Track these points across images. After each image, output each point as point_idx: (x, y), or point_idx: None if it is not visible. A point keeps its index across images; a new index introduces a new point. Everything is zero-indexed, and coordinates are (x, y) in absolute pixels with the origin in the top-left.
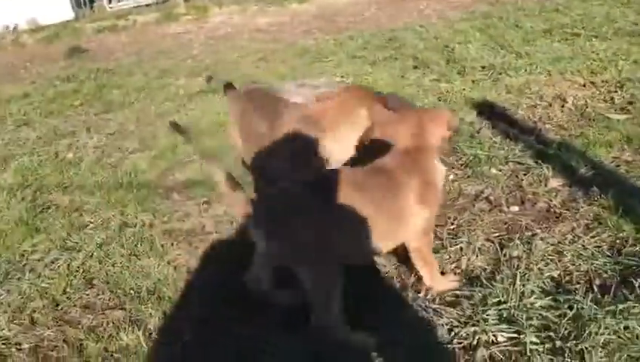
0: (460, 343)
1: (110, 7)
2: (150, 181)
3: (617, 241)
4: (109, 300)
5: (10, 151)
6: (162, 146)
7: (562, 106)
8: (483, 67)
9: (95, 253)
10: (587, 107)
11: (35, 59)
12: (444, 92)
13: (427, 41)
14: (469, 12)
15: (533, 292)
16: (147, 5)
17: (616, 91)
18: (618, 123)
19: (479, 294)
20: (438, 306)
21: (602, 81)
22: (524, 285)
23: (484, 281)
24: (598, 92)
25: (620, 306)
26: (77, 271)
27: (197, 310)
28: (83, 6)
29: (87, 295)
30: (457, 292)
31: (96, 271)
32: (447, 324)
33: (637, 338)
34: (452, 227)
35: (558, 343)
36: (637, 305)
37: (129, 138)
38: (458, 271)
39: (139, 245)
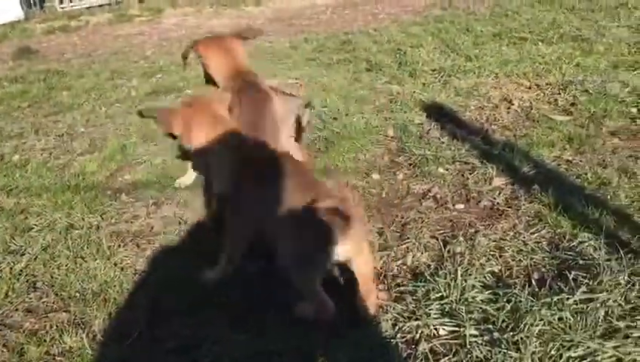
0: (404, 337)
1: (62, 8)
2: (99, 183)
3: (556, 237)
4: (52, 303)
5: None
6: (112, 148)
7: (508, 108)
8: (433, 70)
9: (40, 256)
10: (532, 109)
11: None
12: (394, 94)
13: (380, 45)
14: (422, 16)
15: (474, 286)
16: (100, 6)
17: (559, 93)
18: (560, 124)
19: (422, 289)
20: (383, 301)
21: (547, 84)
22: (465, 280)
23: (428, 277)
24: (542, 94)
25: (555, 298)
26: (20, 274)
27: (142, 311)
28: (33, 6)
29: (30, 298)
30: (402, 288)
31: (41, 274)
32: (391, 319)
33: (569, 328)
34: (399, 225)
35: (496, 334)
36: (570, 296)
37: (78, 140)
38: (404, 267)
39: (85, 247)
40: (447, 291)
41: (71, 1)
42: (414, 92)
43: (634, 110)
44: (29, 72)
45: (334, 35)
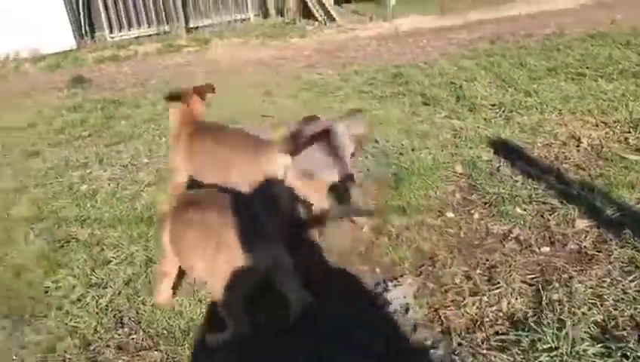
0: None
1: (111, 37)
2: None
3: None
4: (142, 340)
5: (22, 183)
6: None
7: (577, 146)
8: (493, 105)
9: (123, 291)
10: (602, 147)
11: (37, 87)
12: (457, 129)
13: (433, 78)
14: (469, 49)
15: (582, 339)
16: (148, 36)
17: (629, 132)
18: (637, 164)
19: (527, 339)
20: (486, 351)
21: (614, 122)
22: (574, 330)
23: (532, 325)
24: (611, 132)
25: None
26: (106, 309)
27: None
28: (85, 36)
29: (119, 335)
30: (503, 336)
31: (126, 310)
32: None
33: None
34: (485, 268)
35: None
36: None
37: (143, 170)
38: (500, 314)
39: None
40: (556, 342)
41: (120, 31)
42: (478, 127)
43: None
44: (85, 100)
45: (384, 68)
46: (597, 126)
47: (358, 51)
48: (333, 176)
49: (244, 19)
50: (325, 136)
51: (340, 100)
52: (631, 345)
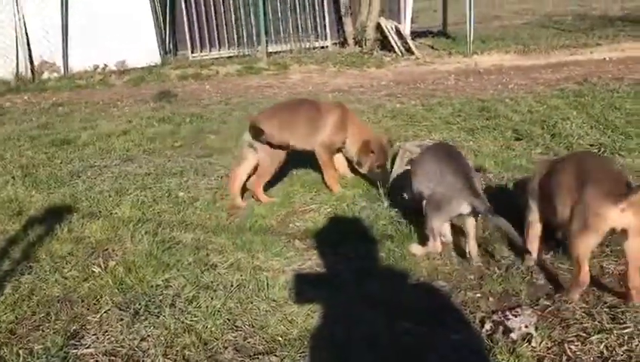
0: None
1: (193, 57)
2: (271, 226)
3: None
4: (258, 344)
5: (122, 185)
6: (279, 194)
7: None
8: (591, 145)
9: (234, 295)
10: None
11: (124, 99)
12: None
13: (521, 114)
14: (557, 89)
15: None
16: (229, 57)
17: None
18: None
19: None
20: None
21: None
22: None
23: None
24: None
25: None
26: (219, 311)
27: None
28: (168, 53)
29: (235, 337)
30: None
31: (240, 314)
32: None
33: None
34: (606, 306)
35: None
36: None
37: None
38: (632, 354)
39: (276, 290)
40: None
41: (202, 51)
42: None
43: None
44: (174, 114)
45: (469, 101)
46: None
47: (437, 84)
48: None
49: (322, 47)
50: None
51: (428, 130)
52: None
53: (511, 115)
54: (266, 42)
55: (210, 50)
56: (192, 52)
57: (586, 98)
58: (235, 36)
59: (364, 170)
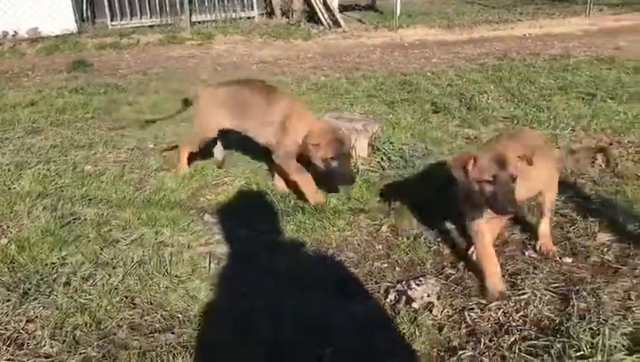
0: None
1: (112, 25)
2: (180, 201)
3: None
4: (156, 322)
5: (23, 158)
6: (190, 167)
7: (592, 162)
8: (505, 117)
9: (134, 271)
10: (617, 165)
11: (36, 68)
12: (471, 138)
13: (441, 88)
14: (477, 64)
15: (616, 347)
16: (150, 26)
17: None
18: None
19: (558, 345)
20: (516, 355)
21: (628, 142)
22: (609, 339)
23: (563, 332)
24: (626, 152)
25: None
26: (116, 288)
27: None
28: (86, 21)
29: (132, 315)
30: (532, 342)
31: (138, 291)
32: None
33: None
34: (508, 274)
35: None
36: None
37: (150, 155)
38: (527, 319)
39: (180, 266)
40: (590, 350)
41: (122, 19)
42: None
43: None
44: (88, 84)
45: (392, 75)
46: (611, 145)
47: (363, 57)
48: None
49: (248, 17)
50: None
51: (350, 103)
52: None
53: (431, 89)
54: (190, 11)
55: (130, 19)
56: (112, 20)
57: (504, 72)
58: (158, 4)
59: (318, 165)
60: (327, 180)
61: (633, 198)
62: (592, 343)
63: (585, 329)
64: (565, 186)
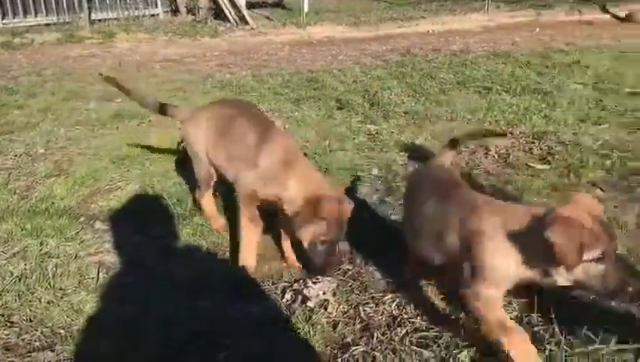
0: None
1: (3, 24)
2: (70, 208)
3: None
4: (34, 340)
5: None
6: (81, 171)
7: (486, 154)
8: (406, 112)
9: (14, 287)
10: (510, 156)
11: None
12: (373, 133)
13: (346, 85)
14: (383, 60)
15: None
16: (46, 25)
17: (533, 142)
18: (542, 172)
19: (448, 335)
20: (407, 347)
21: (520, 133)
22: None
23: (451, 323)
24: (517, 142)
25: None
26: None
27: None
28: None
29: (8, 335)
30: (424, 333)
31: (16, 308)
32: None
33: None
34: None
35: None
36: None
37: (39, 161)
38: (419, 311)
39: (65, 278)
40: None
41: (14, 17)
42: (392, 132)
43: (608, 162)
44: None
45: (299, 72)
46: (504, 135)
47: (270, 55)
48: None
49: (152, 15)
50: None
51: (256, 100)
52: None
53: (336, 85)
54: (89, 9)
55: (24, 17)
56: (3, 19)
57: (407, 68)
58: (54, 2)
59: (301, 239)
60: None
61: (522, 187)
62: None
63: (472, 319)
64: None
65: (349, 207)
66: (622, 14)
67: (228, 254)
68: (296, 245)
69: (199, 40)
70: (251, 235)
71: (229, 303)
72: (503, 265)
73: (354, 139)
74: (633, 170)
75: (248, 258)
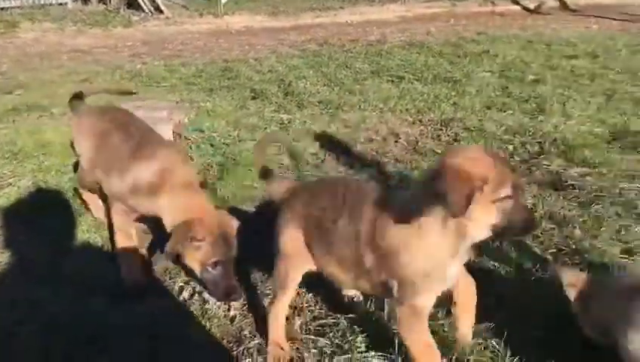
0: None
1: None
2: None
3: None
4: None
5: None
6: None
7: (396, 141)
8: (320, 102)
9: None
10: (418, 143)
11: None
12: (285, 123)
13: (262, 74)
14: (299, 50)
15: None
16: None
17: (441, 129)
18: None
19: (344, 322)
20: (305, 336)
21: (428, 120)
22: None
23: (350, 309)
24: (426, 130)
25: None
26: None
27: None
28: None
29: None
30: (322, 321)
31: None
32: (315, 355)
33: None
34: None
35: None
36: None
37: None
38: (318, 299)
39: None
40: (374, 324)
41: None
42: (305, 122)
43: (510, 147)
44: None
45: (214, 62)
46: (413, 123)
47: (186, 44)
48: None
49: (60, 4)
50: None
51: (167, 91)
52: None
53: (252, 75)
54: None
55: None
56: None
57: (323, 58)
58: None
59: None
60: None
61: None
62: (377, 317)
63: (370, 303)
64: (369, 165)
65: (232, 223)
66: (531, 6)
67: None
68: None
69: (111, 30)
70: (125, 244)
71: (120, 303)
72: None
73: (265, 128)
74: (533, 154)
75: (126, 268)
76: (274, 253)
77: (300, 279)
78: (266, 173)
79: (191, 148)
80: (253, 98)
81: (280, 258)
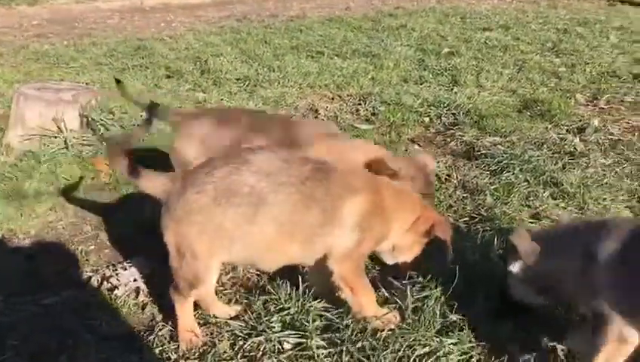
0: (245, 357)
1: None
2: None
3: None
4: None
5: None
6: None
7: (316, 117)
8: (238, 79)
9: None
10: (338, 118)
11: None
12: (201, 101)
13: (178, 52)
14: (217, 27)
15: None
16: None
17: (360, 104)
18: (366, 132)
19: (259, 302)
20: (218, 320)
21: (347, 95)
22: (307, 289)
23: (265, 289)
24: (345, 104)
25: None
26: None
27: None
28: None
29: None
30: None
31: None
32: (229, 338)
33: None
34: None
35: (343, 343)
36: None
37: None
38: (235, 280)
39: None
40: (288, 303)
41: None
42: (222, 99)
43: (427, 119)
44: None
45: (126, 41)
46: (333, 99)
47: (98, 23)
48: None
49: None
50: None
51: (76, 72)
52: None
53: (167, 53)
54: None
55: None
56: None
57: (242, 34)
58: None
59: None
60: None
61: None
62: (290, 296)
63: (284, 283)
64: None
65: None
66: None
67: (27, 241)
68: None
69: (15, 8)
70: None
71: (22, 295)
72: None
73: (180, 107)
74: (448, 126)
75: None
76: None
77: None
78: (134, 171)
79: (98, 131)
80: (168, 77)
81: None
